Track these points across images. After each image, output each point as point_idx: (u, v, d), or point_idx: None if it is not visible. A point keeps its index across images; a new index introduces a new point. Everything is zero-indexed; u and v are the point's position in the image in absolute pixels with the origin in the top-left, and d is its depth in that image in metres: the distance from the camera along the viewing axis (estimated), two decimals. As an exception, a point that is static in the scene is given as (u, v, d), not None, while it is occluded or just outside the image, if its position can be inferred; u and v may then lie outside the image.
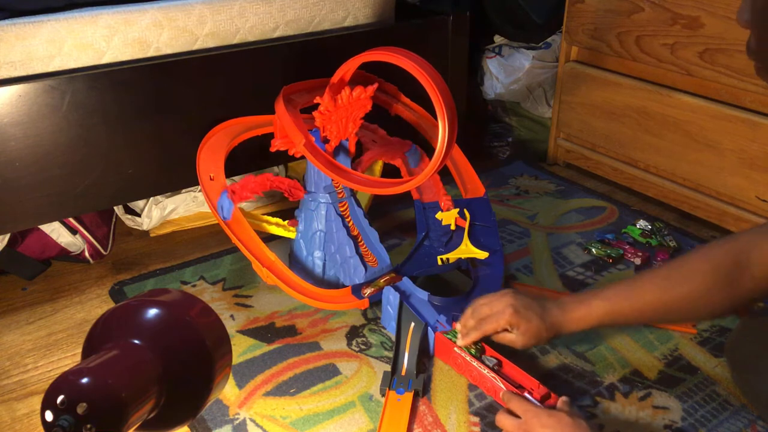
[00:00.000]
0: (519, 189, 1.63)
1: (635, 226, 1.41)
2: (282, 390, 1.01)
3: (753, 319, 0.97)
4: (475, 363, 0.98)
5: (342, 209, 1.21)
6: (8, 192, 1.11)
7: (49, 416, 0.69)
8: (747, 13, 0.67)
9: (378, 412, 0.96)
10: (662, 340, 1.10)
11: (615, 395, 0.99)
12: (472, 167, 1.37)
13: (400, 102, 1.33)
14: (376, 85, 1.13)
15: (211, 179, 1.14)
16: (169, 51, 1.21)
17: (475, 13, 1.76)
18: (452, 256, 1.23)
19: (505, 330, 0.96)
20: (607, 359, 1.06)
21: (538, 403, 0.90)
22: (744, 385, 0.96)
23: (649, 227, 1.40)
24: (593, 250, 1.34)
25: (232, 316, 1.17)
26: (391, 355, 1.07)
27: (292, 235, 1.23)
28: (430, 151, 1.16)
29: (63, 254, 1.34)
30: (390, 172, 1.33)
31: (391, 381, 0.99)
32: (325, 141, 1.15)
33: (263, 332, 1.13)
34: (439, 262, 1.23)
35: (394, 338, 1.08)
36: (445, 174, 1.26)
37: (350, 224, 1.22)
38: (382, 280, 1.15)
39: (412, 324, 1.06)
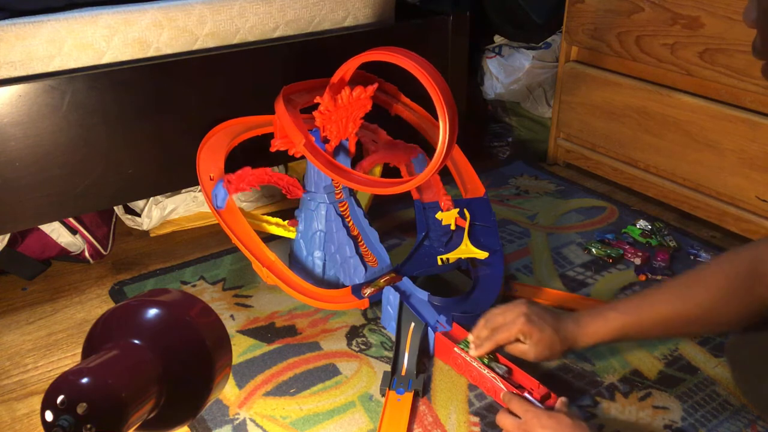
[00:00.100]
0: (519, 189, 1.63)
1: (635, 226, 1.41)
2: (282, 390, 1.01)
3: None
4: (476, 363, 0.98)
5: (342, 209, 1.21)
6: (8, 192, 1.11)
7: (49, 416, 0.69)
8: (753, 13, 0.67)
9: (378, 412, 0.96)
10: (662, 340, 1.09)
11: (615, 395, 0.99)
12: (472, 167, 1.37)
13: (400, 102, 1.33)
14: (376, 85, 1.13)
15: (211, 179, 1.14)
16: (169, 51, 1.21)
17: (475, 13, 1.76)
18: (452, 256, 1.23)
19: (518, 340, 0.95)
20: (607, 359, 1.06)
21: (539, 404, 0.90)
22: (744, 385, 0.96)
23: (649, 227, 1.40)
24: (593, 250, 1.34)
25: (232, 316, 1.17)
26: (391, 355, 1.07)
27: (292, 235, 1.23)
28: (430, 151, 1.16)
29: (63, 254, 1.34)
30: (390, 172, 1.33)
31: (391, 381, 0.99)
32: (325, 141, 1.15)
33: (263, 332, 1.13)
34: (439, 262, 1.23)
35: (394, 338, 1.08)
36: (445, 174, 1.26)
37: (350, 224, 1.22)
38: (382, 280, 1.15)
39: (412, 324, 1.06)
